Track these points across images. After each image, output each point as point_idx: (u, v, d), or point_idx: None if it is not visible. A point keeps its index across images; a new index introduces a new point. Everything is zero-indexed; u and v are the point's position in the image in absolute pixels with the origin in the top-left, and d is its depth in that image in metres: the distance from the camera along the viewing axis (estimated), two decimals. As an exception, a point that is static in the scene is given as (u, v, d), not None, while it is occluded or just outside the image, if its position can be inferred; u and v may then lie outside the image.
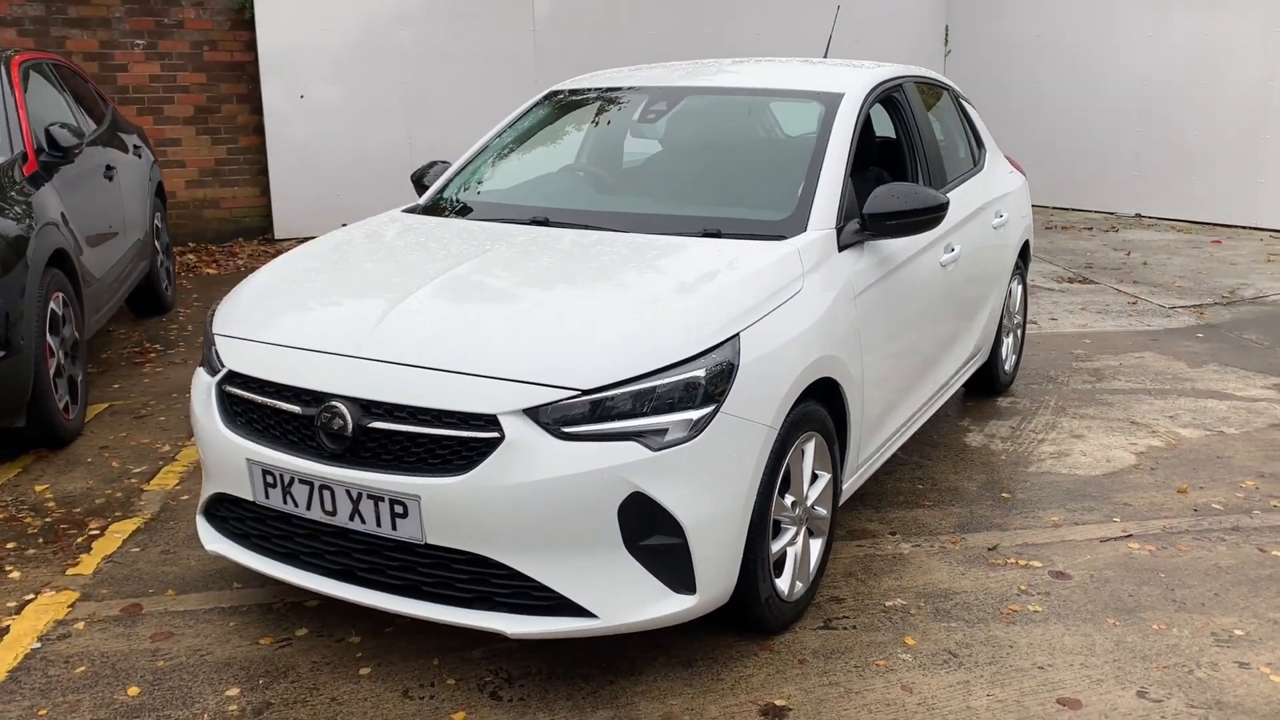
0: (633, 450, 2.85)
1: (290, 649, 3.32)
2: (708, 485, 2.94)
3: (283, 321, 3.37)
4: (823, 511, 3.52)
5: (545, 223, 3.87)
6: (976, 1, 12.54)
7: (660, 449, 2.86)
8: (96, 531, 4.14)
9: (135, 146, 7.15)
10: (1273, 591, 3.68)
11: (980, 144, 5.42)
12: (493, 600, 2.95)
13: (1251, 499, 4.42)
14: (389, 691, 3.10)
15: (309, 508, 3.07)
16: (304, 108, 10.27)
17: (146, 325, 7.19)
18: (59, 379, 4.91)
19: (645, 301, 3.21)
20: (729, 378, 2.98)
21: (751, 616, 3.27)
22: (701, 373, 2.94)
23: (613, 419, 2.87)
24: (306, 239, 10.51)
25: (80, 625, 3.47)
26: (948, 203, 3.80)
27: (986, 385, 5.54)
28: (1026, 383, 5.92)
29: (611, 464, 2.83)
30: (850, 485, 3.78)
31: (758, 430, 3.05)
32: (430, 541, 2.92)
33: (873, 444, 3.90)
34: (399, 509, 2.92)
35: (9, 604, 3.60)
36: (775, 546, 3.26)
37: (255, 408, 3.19)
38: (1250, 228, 10.40)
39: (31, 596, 3.65)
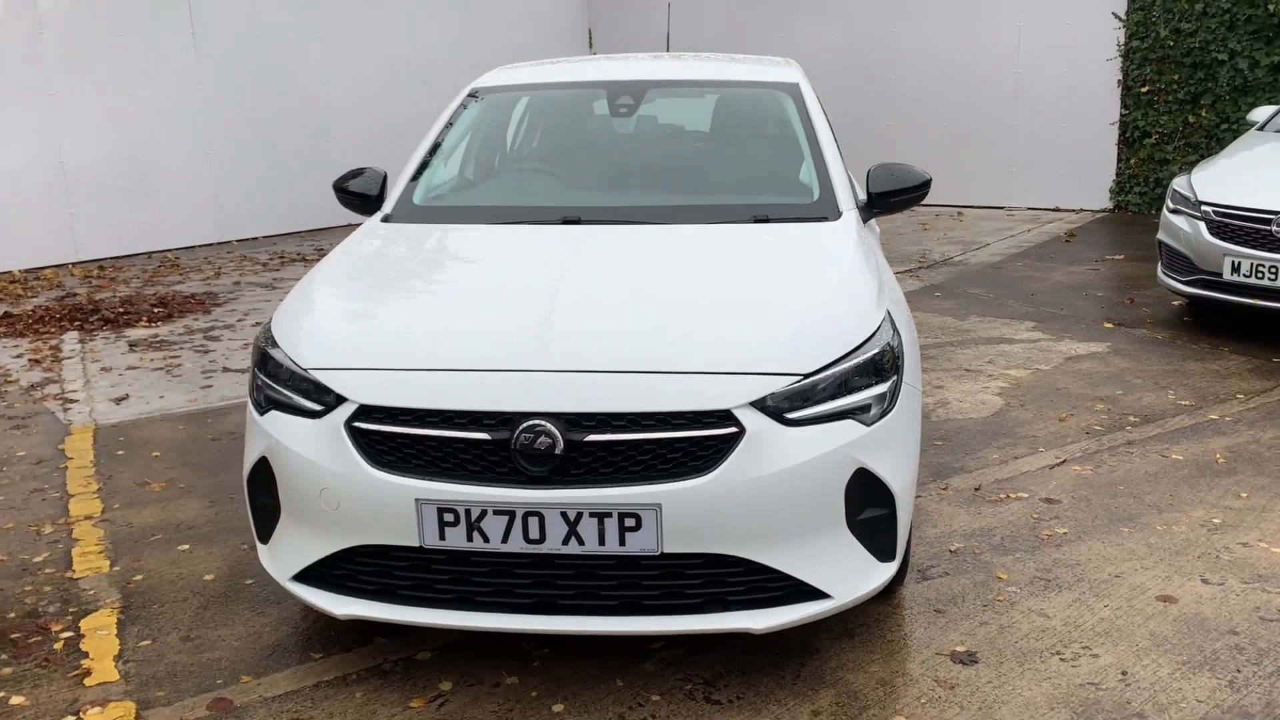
0: (852, 428, 2.90)
1: (452, 705, 2.99)
2: (903, 453, 3.06)
3: (409, 344, 3.01)
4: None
5: (578, 221, 3.73)
6: (615, 7, 13.18)
7: (871, 423, 2.94)
8: (69, 634, 3.40)
9: None
10: (1205, 485, 4.41)
11: (822, 133, 5.84)
12: (724, 600, 2.87)
13: (1114, 418, 5.22)
14: (604, 722, 2.91)
15: (505, 540, 2.79)
16: (-73, 127, 8.67)
17: None
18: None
19: (803, 286, 3.26)
20: (897, 350, 3.11)
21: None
22: (880, 348, 3.05)
23: (826, 400, 2.90)
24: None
25: (177, 736, 2.88)
26: (931, 179, 4.15)
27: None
28: (850, 348, 6.46)
29: (840, 444, 2.87)
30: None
31: (918, 396, 3.22)
32: (667, 550, 2.78)
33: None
34: (629, 522, 2.76)
35: (53, 733, 2.90)
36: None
37: (415, 441, 2.83)
38: (887, 203, 11.90)
39: (72, 719, 2.96)
